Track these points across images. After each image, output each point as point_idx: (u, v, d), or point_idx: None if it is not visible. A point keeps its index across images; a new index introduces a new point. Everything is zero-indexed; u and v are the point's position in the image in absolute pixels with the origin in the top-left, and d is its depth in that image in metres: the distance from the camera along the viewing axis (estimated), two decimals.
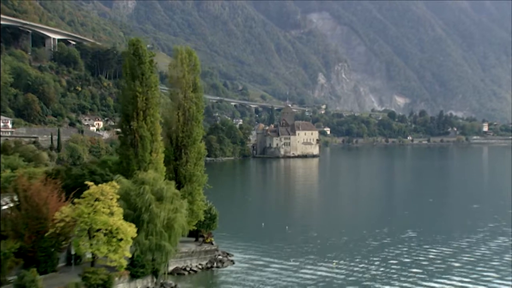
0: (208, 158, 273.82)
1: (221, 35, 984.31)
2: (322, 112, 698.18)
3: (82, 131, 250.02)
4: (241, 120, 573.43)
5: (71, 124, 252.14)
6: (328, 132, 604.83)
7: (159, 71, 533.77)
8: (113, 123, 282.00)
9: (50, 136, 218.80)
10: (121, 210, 48.43)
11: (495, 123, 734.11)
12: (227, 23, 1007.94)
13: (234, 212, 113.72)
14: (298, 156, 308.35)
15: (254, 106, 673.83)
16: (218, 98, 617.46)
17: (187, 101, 65.07)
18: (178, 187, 61.34)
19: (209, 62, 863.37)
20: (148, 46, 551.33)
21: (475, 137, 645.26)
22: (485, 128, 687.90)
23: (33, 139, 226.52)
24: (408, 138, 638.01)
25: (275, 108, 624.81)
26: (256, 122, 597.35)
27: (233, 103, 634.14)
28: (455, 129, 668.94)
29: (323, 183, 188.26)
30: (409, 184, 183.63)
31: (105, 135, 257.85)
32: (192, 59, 66.79)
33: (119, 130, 62.11)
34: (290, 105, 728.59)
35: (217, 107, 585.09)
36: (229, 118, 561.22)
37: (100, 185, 50.15)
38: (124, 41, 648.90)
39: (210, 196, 73.91)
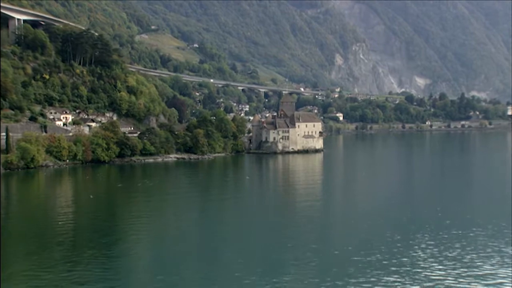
0: (193, 156, 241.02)
1: (234, 15, 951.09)
2: (336, 96, 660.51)
3: (45, 127, 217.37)
4: (247, 106, 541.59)
5: (32, 119, 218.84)
6: (341, 118, 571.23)
7: (161, 54, 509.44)
8: (85, 116, 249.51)
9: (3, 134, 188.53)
10: None
11: None
12: (240, 3, 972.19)
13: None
14: (298, 152, 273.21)
15: (263, 90, 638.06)
16: (224, 82, 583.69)
17: None
18: None
19: (221, 44, 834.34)
20: (153, 27, 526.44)
21: (498, 122, 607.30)
22: (510, 112, 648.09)
23: None
24: (427, 123, 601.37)
25: (286, 92, 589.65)
26: (264, 108, 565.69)
27: (240, 88, 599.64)
28: (477, 113, 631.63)
29: (324, 197, 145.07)
30: (431, 195, 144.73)
31: (73, 131, 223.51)
32: None
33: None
34: (302, 89, 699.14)
35: (222, 92, 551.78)
36: (235, 104, 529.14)
37: None
38: (126, 22, 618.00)
39: None
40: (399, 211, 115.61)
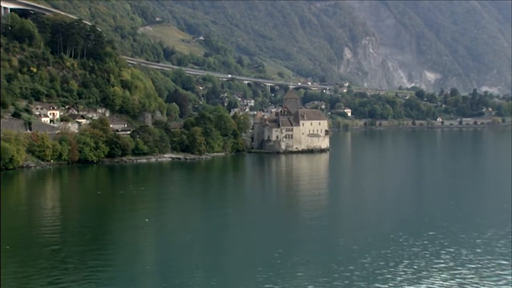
0: (190, 156, 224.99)
1: (242, 7, 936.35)
2: (344, 91, 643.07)
3: (29, 124, 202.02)
4: (252, 101, 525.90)
5: (16, 115, 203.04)
6: (349, 114, 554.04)
7: (164, 46, 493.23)
8: (75, 112, 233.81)
9: None
10: None
11: None
12: None
13: None
14: (303, 151, 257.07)
15: (269, 84, 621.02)
16: (229, 76, 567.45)
17: None
18: None
19: (228, 37, 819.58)
20: (157, 19, 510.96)
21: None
22: None
23: None
24: (438, 119, 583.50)
25: (292, 86, 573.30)
26: (270, 103, 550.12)
27: (246, 82, 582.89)
28: (490, 109, 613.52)
29: (330, 209, 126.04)
30: (443, 203, 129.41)
31: (60, 128, 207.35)
32: None
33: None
34: (310, 83, 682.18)
35: (227, 87, 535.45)
36: (239, 99, 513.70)
37: None
38: (129, 14, 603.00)
39: None
40: (408, 223, 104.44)
